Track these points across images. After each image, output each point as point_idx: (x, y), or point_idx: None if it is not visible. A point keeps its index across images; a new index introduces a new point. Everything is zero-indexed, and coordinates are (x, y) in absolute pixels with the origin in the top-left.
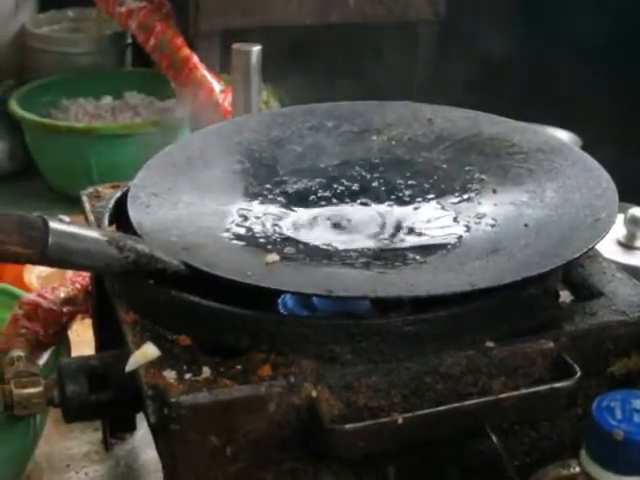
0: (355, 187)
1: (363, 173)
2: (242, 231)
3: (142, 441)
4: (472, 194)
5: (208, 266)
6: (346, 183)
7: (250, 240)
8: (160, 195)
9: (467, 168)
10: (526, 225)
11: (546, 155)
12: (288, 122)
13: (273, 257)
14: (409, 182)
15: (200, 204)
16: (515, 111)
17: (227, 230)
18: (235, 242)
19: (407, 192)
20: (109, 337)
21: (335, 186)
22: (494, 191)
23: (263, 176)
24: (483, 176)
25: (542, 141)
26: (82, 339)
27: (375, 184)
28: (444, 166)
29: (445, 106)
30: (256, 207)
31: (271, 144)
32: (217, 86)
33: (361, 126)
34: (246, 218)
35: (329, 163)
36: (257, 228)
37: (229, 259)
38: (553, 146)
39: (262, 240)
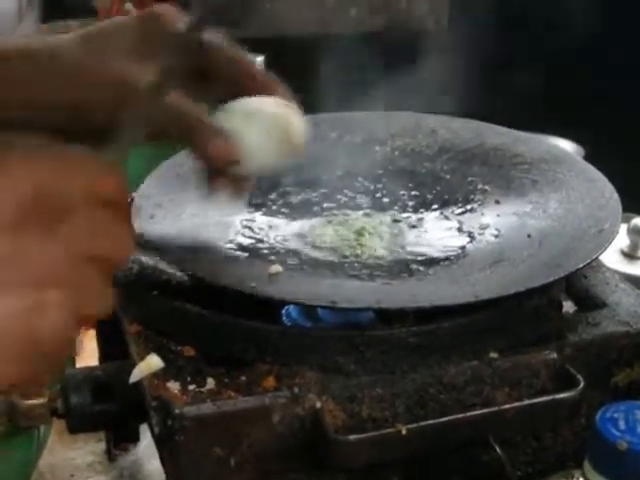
0: (358, 198)
1: (366, 184)
2: (246, 242)
3: (146, 452)
4: (475, 205)
5: (212, 277)
6: (349, 194)
7: (254, 251)
8: (164, 206)
9: (470, 179)
10: (529, 236)
11: (549, 165)
12: None
13: (276, 268)
14: (412, 193)
15: (204, 215)
16: (517, 121)
17: (231, 241)
18: (239, 253)
19: (410, 203)
20: (113, 348)
21: (338, 197)
22: (497, 202)
23: (266, 187)
24: (486, 187)
25: (545, 151)
26: (86, 350)
27: (378, 195)
28: (447, 177)
29: (448, 116)
30: (259, 218)
31: None
32: None
33: (364, 136)
34: (250, 229)
35: (332, 174)
36: (261, 239)
37: (233, 270)
38: (556, 156)
39: (265, 251)
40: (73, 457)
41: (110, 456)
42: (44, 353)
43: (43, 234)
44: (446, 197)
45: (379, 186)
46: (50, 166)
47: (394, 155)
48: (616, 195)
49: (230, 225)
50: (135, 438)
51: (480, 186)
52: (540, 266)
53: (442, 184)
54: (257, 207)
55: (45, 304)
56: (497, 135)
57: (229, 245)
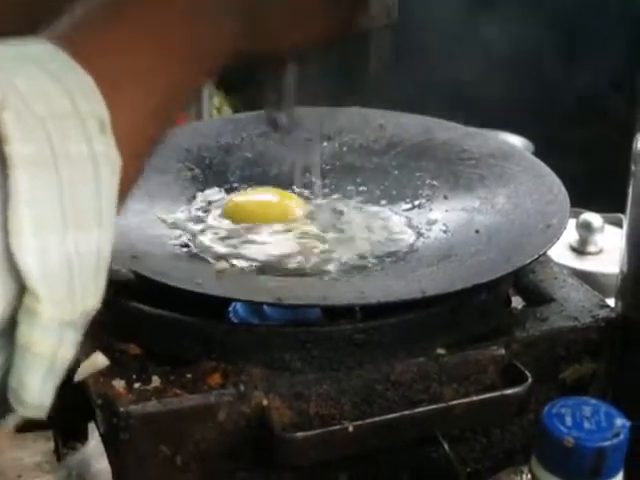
0: (306, 194)
1: (314, 180)
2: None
3: (94, 451)
4: (423, 200)
5: (157, 275)
6: (297, 190)
7: None
8: None
9: (418, 174)
10: (477, 231)
11: (497, 161)
12: (238, 128)
13: (222, 265)
14: (360, 188)
15: (150, 212)
16: (468, 116)
17: (177, 238)
18: (185, 250)
19: (358, 198)
20: None
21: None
22: (445, 197)
23: (213, 183)
24: (434, 182)
25: (494, 147)
26: None
27: (326, 191)
28: (395, 172)
29: (396, 112)
30: (206, 214)
31: (221, 150)
32: None
33: (311, 132)
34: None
35: (280, 170)
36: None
37: (179, 267)
38: (505, 151)
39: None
40: (21, 456)
41: (58, 455)
42: None
43: None
44: (394, 192)
45: (326, 181)
46: None
47: (342, 150)
48: (564, 190)
49: (176, 223)
50: (84, 437)
51: (428, 181)
52: (488, 262)
53: (390, 179)
54: (204, 204)
55: None
56: (445, 130)
57: (175, 242)
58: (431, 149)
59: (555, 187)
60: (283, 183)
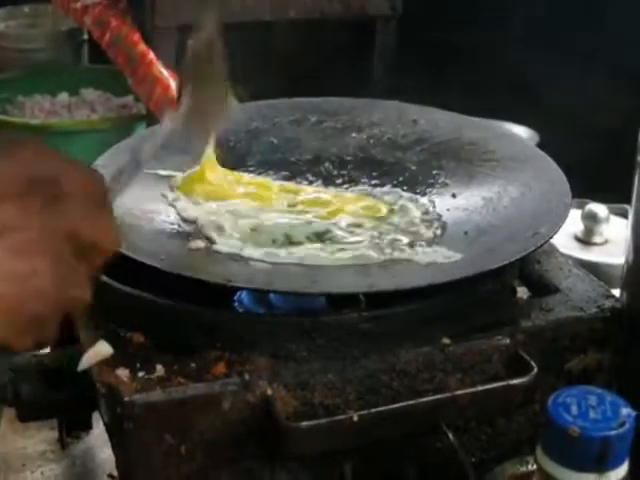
0: (317, 183)
1: (330, 169)
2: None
3: (98, 440)
4: (430, 197)
5: (169, 267)
6: (310, 178)
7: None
8: None
9: (435, 172)
10: (466, 233)
11: (515, 164)
12: (272, 114)
13: (197, 244)
14: (373, 182)
15: (155, 188)
16: (474, 107)
17: (168, 215)
18: (173, 227)
19: (369, 189)
20: (63, 335)
21: (298, 180)
22: (453, 196)
23: (230, 165)
24: (448, 180)
25: (517, 150)
26: None
27: (339, 181)
28: (413, 168)
29: (432, 108)
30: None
31: (249, 135)
32: (173, 82)
33: (345, 122)
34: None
35: (300, 157)
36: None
37: (188, 257)
38: (527, 155)
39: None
40: (25, 445)
41: (62, 444)
42: (30, 314)
43: (41, 209)
44: (405, 188)
45: (343, 172)
46: (46, 157)
47: (368, 143)
48: (568, 200)
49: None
50: (88, 426)
51: (442, 180)
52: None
53: (406, 175)
54: None
55: (37, 269)
56: (476, 129)
57: (165, 219)
58: (456, 148)
59: (564, 196)
60: (298, 170)
